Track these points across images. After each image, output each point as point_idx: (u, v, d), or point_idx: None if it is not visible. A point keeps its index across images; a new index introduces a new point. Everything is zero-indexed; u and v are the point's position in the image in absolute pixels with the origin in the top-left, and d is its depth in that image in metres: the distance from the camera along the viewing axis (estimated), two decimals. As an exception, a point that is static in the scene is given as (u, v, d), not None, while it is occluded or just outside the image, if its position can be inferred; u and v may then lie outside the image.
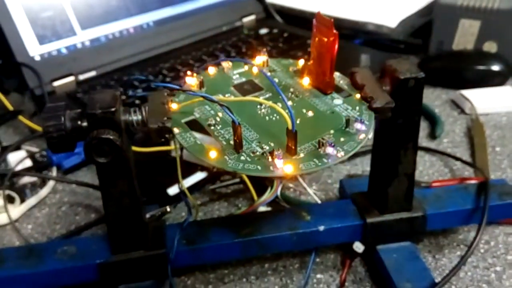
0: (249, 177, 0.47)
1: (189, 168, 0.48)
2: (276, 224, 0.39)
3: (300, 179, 0.48)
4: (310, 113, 0.33)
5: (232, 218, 0.42)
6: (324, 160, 0.30)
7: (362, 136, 0.31)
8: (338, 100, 0.34)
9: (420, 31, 0.76)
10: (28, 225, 0.47)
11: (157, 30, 0.73)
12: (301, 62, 0.38)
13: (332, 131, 0.32)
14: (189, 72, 0.36)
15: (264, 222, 0.39)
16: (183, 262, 0.38)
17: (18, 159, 0.51)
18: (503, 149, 0.54)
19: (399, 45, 0.76)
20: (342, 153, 0.30)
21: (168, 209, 0.41)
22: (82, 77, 0.65)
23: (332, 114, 0.33)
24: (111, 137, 0.30)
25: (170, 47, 0.72)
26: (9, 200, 0.48)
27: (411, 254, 0.39)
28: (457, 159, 0.52)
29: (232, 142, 0.31)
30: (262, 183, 0.48)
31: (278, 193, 0.47)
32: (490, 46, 0.68)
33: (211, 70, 0.38)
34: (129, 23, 0.70)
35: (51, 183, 0.51)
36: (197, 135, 0.32)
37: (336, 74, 0.37)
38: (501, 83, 0.65)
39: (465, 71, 0.66)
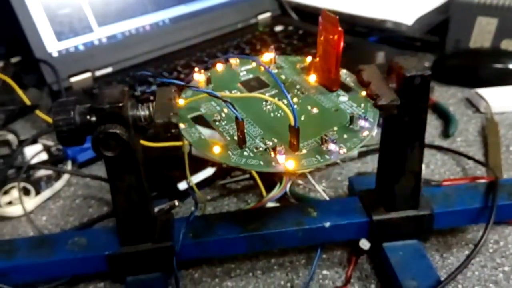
0: (258, 173, 0.48)
1: (200, 164, 0.49)
2: (282, 220, 0.39)
3: (309, 176, 0.48)
4: (315, 110, 0.33)
5: (238, 213, 0.43)
6: (326, 156, 0.30)
7: (365, 133, 0.31)
8: (343, 97, 0.34)
9: (437, 29, 0.76)
10: (43, 216, 0.48)
11: (172, 27, 0.73)
12: (308, 59, 0.38)
13: (335, 128, 0.32)
14: (196, 69, 0.36)
15: (271, 217, 0.40)
16: (190, 255, 0.39)
17: (34, 152, 0.53)
18: (517, 148, 0.54)
19: (415, 43, 0.75)
20: (345, 150, 0.30)
21: (176, 203, 0.41)
22: (98, 73, 0.67)
23: (337, 111, 0.33)
24: (118, 131, 0.31)
25: (185, 44, 0.73)
26: (25, 192, 0.49)
27: (417, 252, 0.39)
28: (470, 158, 0.52)
29: (236, 137, 0.31)
30: (271, 180, 0.48)
31: (287, 189, 0.47)
32: (508, 44, 0.67)
33: (219, 66, 0.38)
34: (145, 21, 0.71)
35: (65, 176, 0.52)
36: (203, 130, 0.32)
37: (343, 72, 0.37)
38: (518, 81, 0.64)
39: (481, 70, 0.66)
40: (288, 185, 0.47)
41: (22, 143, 0.53)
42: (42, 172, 0.51)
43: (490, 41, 0.68)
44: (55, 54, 0.64)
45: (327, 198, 0.47)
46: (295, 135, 0.30)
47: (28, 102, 0.57)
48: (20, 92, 0.56)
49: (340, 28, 0.32)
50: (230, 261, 0.42)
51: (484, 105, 0.60)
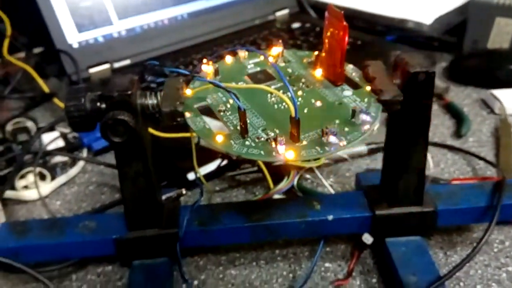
0: (266, 166, 0.48)
1: (210, 155, 0.50)
2: (286, 211, 0.40)
3: (316, 171, 0.49)
4: (318, 103, 0.34)
5: (244, 203, 0.44)
6: (326, 148, 0.30)
7: (366, 127, 0.32)
8: (347, 92, 0.35)
9: (456, 29, 0.75)
10: (57, 201, 0.50)
11: (191, 22, 0.75)
12: (316, 53, 0.39)
13: (337, 121, 0.32)
14: (205, 60, 0.37)
15: (275, 208, 0.40)
16: (195, 242, 0.40)
17: (51, 139, 0.54)
18: (530, 150, 0.53)
19: (433, 43, 0.75)
20: (345, 143, 0.31)
21: (184, 192, 0.42)
22: (117, 65, 0.68)
23: (340, 105, 0.34)
24: (126, 118, 0.32)
25: (202, 39, 0.74)
26: (41, 177, 0.51)
27: (420, 248, 0.39)
28: (480, 158, 0.52)
29: (239, 127, 0.32)
30: (280, 173, 0.49)
31: (295, 183, 0.48)
32: (526, 46, 0.67)
33: (228, 59, 0.39)
34: (164, 14, 0.73)
35: (81, 163, 0.54)
36: (208, 119, 0.33)
37: (350, 67, 0.38)
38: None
39: (498, 71, 0.65)
40: (296, 179, 0.48)
41: (40, 130, 0.55)
42: (58, 159, 0.53)
43: (509, 42, 0.68)
44: (75, 45, 0.66)
45: (333, 193, 0.47)
46: (296, 126, 0.30)
47: (46, 90, 0.59)
48: (40, 80, 0.58)
49: (345, 23, 0.33)
50: (235, 250, 0.43)
51: (498, 106, 0.59)
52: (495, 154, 0.53)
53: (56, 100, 0.58)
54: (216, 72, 0.37)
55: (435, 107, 0.62)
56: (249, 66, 0.39)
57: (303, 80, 0.37)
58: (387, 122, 0.38)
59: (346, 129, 0.32)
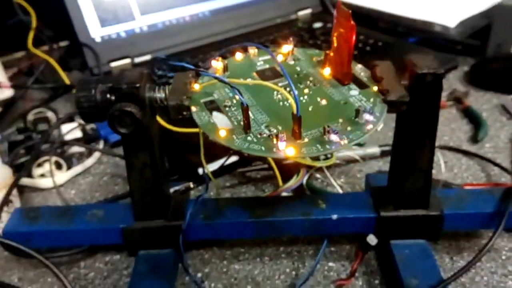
0: (277, 164, 0.48)
1: (223, 150, 0.50)
2: (291, 209, 0.40)
3: (326, 170, 0.49)
4: (324, 102, 0.34)
5: (249, 199, 0.44)
6: (327, 146, 0.31)
7: (369, 127, 0.32)
8: (354, 91, 0.35)
9: (480, 33, 0.74)
10: (72, 190, 0.51)
11: (212, 19, 0.75)
12: (325, 52, 0.39)
13: (341, 120, 0.32)
14: (217, 58, 0.38)
15: (280, 206, 0.41)
16: (200, 235, 0.40)
17: (69, 129, 0.56)
18: (548, 158, 0.52)
19: (456, 46, 0.74)
20: (346, 141, 0.31)
21: (192, 186, 0.43)
22: (137, 60, 0.70)
23: (345, 104, 0.34)
24: (132, 110, 0.33)
25: (223, 36, 0.75)
26: (57, 166, 0.52)
27: (424, 251, 0.39)
28: (495, 164, 0.51)
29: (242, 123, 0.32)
30: (291, 171, 0.49)
31: (304, 181, 0.48)
32: (552, 51, 0.65)
33: (239, 55, 0.40)
34: (186, 11, 0.74)
35: (96, 154, 0.55)
36: (219, 115, 0.33)
37: (358, 66, 0.38)
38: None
39: (520, 76, 0.64)
40: (305, 178, 0.48)
41: (59, 121, 0.56)
42: (75, 149, 0.55)
43: (534, 47, 0.66)
44: (98, 40, 0.68)
45: (341, 192, 0.47)
46: (297, 123, 0.30)
47: (67, 81, 0.60)
48: (61, 72, 0.60)
49: (352, 23, 0.33)
50: (240, 245, 0.44)
51: (518, 112, 0.58)
52: (511, 161, 0.52)
53: (75, 91, 0.59)
54: (225, 68, 0.38)
55: (453, 111, 0.61)
56: (258, 63, 0.39)
57: (311, 78, 0.37)
58: (395, 124, 0.38)
59: (349, 128, 0.32)
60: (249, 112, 0.33)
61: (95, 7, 0.67)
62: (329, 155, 0.48)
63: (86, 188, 0.52)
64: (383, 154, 0.53)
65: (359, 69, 0.37)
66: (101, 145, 0.57)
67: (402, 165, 0.38)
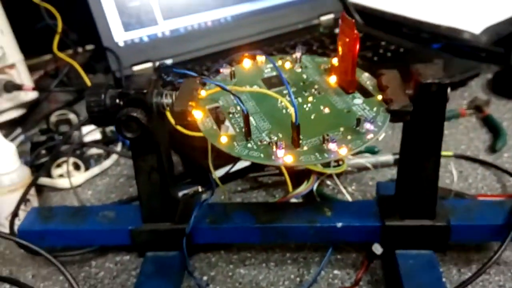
0: (288, 169, 0.49)
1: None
2: (297, 215, 0.40)
3: (335, 177, 0.49)
4: (327, 110, 0.34)
5: (256, 204, 0.45)
6: (325, 155, 0.31)
7: (370, 136, 0.32)
8: (358, 100, 0.35)
9: (505, 40, 0.72)
10: (89, 191, 0.53)
11: (234, 24, 0.76)
12: (334, 60, 0.39)
13: (342, 129, 0.32)
14: (224, 64, 0.38)
15: (286, 212, 0.41)
16: (205, 239, 0.41)
17: (89, 131, 0.57)
18: None
19: (480, 53, 0.72)
20: (345, 151, 0.31)
21: (200, 189, 0.44)
22: (159, 64, 0.71)
23: (348, 113, 0.34)
24: (138, 115, 0.34)
25: (244, 41, 0.76)
26: (76, 167, 0.54)
27: (429, 263, 0.39)
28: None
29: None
30: (302, 177, 0.49)
31: (314, 188, 0.48)
32: None
33: (247, 63, 0.40)
34: (208, 16, 0.75)
35: (114, 156, 0.56)
36: (227, 122, 0.34)
37: (365, 75, 0.38)
38: None
39: (544, 85, 0.62)
40: (316, 184, 0.48)
41: (79, 122, 0.58)
42: (94, 150, 0.56)
43: (560, 56, 0.64)
44: (121, 44, 0.69)
45: (350, 200, 0.47)
46: (296, 131, 0.31)
47: (89, 84, 0.62)
48: (84, 76, 0.62)
49: (356, 32, 0.33)
50: (248, 250, 0.44)
51: (540, 122, 0.57)
52: (530, 172, 0.51)
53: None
54: (232, 75, 0.38)
55: (472, 120, 0.60)
56: (266, 71, 0.39)
57: (316, 86, 0.37)
58: (403, 132, 0.38)
59: (349, 137, 0.32)
60: (251, 119, 0.34)
61: (119, 12, 0.69)
62: (340, 162, 0.48)
63: (103, 189, 0.53)
64: (396, 162, 0.53)
65: (365, 77, 0.37)
66: (119, 147, 0.58)
67: (408, 175, 0.38)
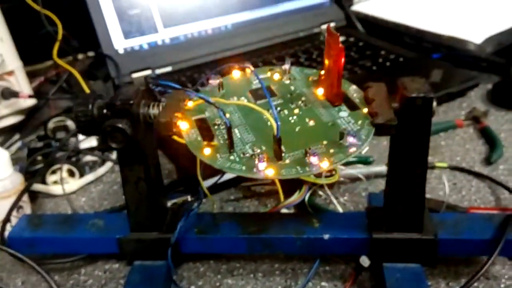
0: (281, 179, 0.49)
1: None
2: (284, 227, 0.40)
3: (326, 187, 0.49)
4: (311, 123, 0.34)
5: (245, 215, 0.45)
6: (306, 168, 0.31)
7: (352, 149, 0.32)
8: (343, 113, 0.35)
9: (507, 50, 0.72)
10: (82, 198, 0.53)
11: (234, 32, 0.76)
12: (322, 72, 0.39)
13: (325, 142, 0.32)
14: (213, 75, 0.39)
15: (274, 223, 0.41)
16: (192, 249, 0.41)
17: (85, 138, 0.58)
18: None
19: (481, 63, 0.72)
20: (327, 164, 0.31)
21: (189, 199, 0.44)
22: (158, 71, 0.71)
23: (333, 126, 0.34)
24: (123, 126, 0.34)
25: (244, 49, 0.76)
26: (70, 174, 0.54)
27: (416, 276, 0.38)
28: (506, 188, 0.49)
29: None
30: (294, 187, 0.49)
31: (306, 198, 0.48)
32: None
33: (236, 73, 0.40)
34: (209, 24, 0.75)
35: (109, 164, 0.57)
36: None
37: (352, 87, 0.38)
38: None
39: (544, 96, 0.61)
40: (307, 194, 0.48)
41: (76, 129, 0.58)
42: (89, 158, 0.57)
43: (561, 67, 0.64)
44: (121, 51, 0.70)
45: (341, 211, 0.47)
46: (277, 144, 0.31)
47: (87, 91, 0.63)
48: (83, 83, 0.62)
49: (340, 45, 0.33)
50: (236, 260, 0.44)
51: (538, 134, 0.56)
52: (524, 185, 0.50)
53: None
54: (221, 86, 0.38)
55: (470, 131, 0.60)
56: (254, 82, 0.40)
57: (303, 98, 0.37)
58: (390, 145, 0.38)
59: (332, 150, 0.32)
60: (236, 131, 0.34)
61: (119, 19, 0.70)
62: (333, 172, 0.48)
63: (96, 196, 0.53)
64: (391, 173, 0.52)
65: (353, 90, 0.37)
66: (114, 155, 0.58)
67: (395, 188, 0.38)
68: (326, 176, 0.48)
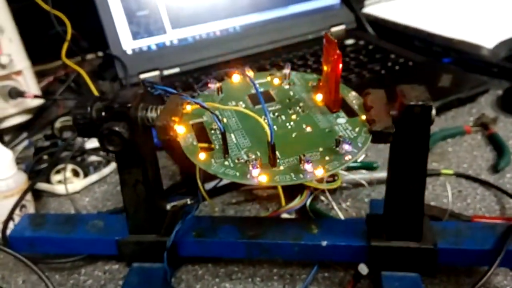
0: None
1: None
2: (283, 232, 0.40)
3: (327, 193, 0.48)
4: (308, 129, 0.34)
5: (244, 219, 0.45)
6: (300, 175, 0.31)
7: (348, 157, 0.31)
8: (341, 120, 0.35)
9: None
10: (86, 198, 0.54)
11: (242, 34, 0.76)
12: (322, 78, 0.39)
13: (321, 149, 0.32)
14: (212, 79, 0.39)
15: (272, 228, 0.41)
16: (191, 252, 0.41)
17: (90, 138, 0.58)
18: None
19: (492, 68, 0.71)
20: (321, 172, 0.31)
21: (189, 202, 0.44)
22: (166, 72, 0.72)
23: (329, 133, 0.34)
24: (120, 129, 0.34)
25: (252, 51, 0.76)
26: (75, 173, 0.55)
27: (414, 285, 0.38)
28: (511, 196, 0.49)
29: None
30: (296, 191, 0.49)
31: (307, 203, 0.48)
32: None
33: (236, 78, 0.40)
34: (217, 26, 0.75)
35: (114, 164, 0.57)
36: None
37: (352, 94, 0.37)
38: None
39: (555, 103, 0.60)
40: (309, 199, 0.48)
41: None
42: (94, 158, 0.57)
43: None
44: (129, 52, 0.70)
45: (342, 217, 0.46)
46: (271, 151, 0.31)
47: (96, 93, 0.63)
48: (90, 83, 0.63)
49: (338, 52, 0.33)
50: (235, 264, 0.44)
51: (547, 142, 0.55)
52: (531, 194, 0.49)
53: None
54: (220, 90, 0.38)
55: (477, 137, 0.59)
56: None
57: (301, 104, 0.37)
58: (390, 153, 0.37)
59: (327, 158, 0.32)
60: (232, 136, 0.34)
61: (128, 20, 0.70)
62: (335, 178, 0.48)
63: (100, 196, 0.54)
64: (395, 179, 0.52)
65: (352, 96, 0.37)
66: (119, 155, 0.58)
67: (394, 196, 0.37)
68: (328, 182, 0.47)
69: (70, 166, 0.54)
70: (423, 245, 0.38)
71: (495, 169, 0.53)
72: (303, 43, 0.79)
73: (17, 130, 0.62)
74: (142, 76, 0.70)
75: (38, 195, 0.53)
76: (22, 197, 0.46)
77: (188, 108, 0.37)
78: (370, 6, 0.89)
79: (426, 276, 0.40)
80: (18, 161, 0.58)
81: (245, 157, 0.32)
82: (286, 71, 0.39)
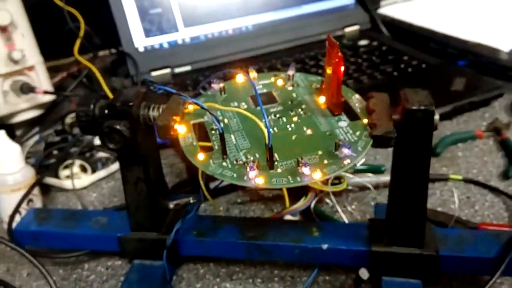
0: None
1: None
2: (283, 234, 0.40)
3: (332, 195, 0.48)
4: (309, 132, 0.34)
5: (246, 219, 0.44)
6: (297, 178, 0.30)
7: (347, 161, 0.31)
8: (343, 123, 0.34)
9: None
10: (93, 193, 0.54)
11: (255, 33, 0.76)
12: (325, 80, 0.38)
13: (320, 152, 0.32)
14: (215, 80, 0.39)
15: (274, 229, 0.41)
16: (191, 251, 0.41)
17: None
18: None
19: (508, 72, 0.69)
20: (319, 175, 0.30)
21: (191, 200, 0.44)
22: (177, 70, 0.72)
23: (330, 136, 0.33)
24: (121, 128, 0.34)
25: (264, 51, 0.76)
26: (83, 169, 0.55)
27: (415, 292, 0.37)
28: (521, 204, 0.48)
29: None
30: (302, 193, 0.49)
31: (312, 205, 0.47)
32: None
33: (240, 78, 0.40)
34: (230, 25, 0.75)
35: (122, 161, 0.57)
36: None
37: (355, 97, 0.37)
38: None
39: None
40: (313, 201, 0.48)
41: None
42: (102, 154, 0.57)
43: None
44: (141, 49, 0.71)
45: (346, 220, 0.46)
46: (269, 153, 0.30)
47: (106, 90, 0.63)
48: (101, 79, 0.63)
49: (340, 54, 0.32)
50: (236, 264, 0.44)
51: (561, 149, 0.54)
52: (541, 202, 0.48)
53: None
54: (223, 91, 0.38)
55: (489, 143, 0.58)
56: (257, 87, 0.39)
57: (303, 106, 0.36)
58: (393, 157, 0.37)
59: (326, 161, 0.31)
60: (232, 137, 0.34)
61: (140, 18, 0.70)
62: (341, 180, 0.48)
63: (107, 192, 0.54)
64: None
65: (355, 99, 0.37)
66: (128, 151, 0.59)
67: (397, 201, 0.37)
68: (333, 184, 0.47)
69: (78, 162, 0.55)
70: (425, 252, 0.37)
71: (505, 175, 0.52)
72: (316, 43, 0.78)
73: (28, 125, 0.63)
74: (154, 73, 0.70)
75: (47, 189, 0.54)
76: (29, 192, 0.46)
77: (190, 107, 0.37)
78: (386, 7, 0.88)
79: (428, 283, 0.39)
80: (29, 155, 0.58)
81: (244, 159, 0.32)
82: (290, 72, 0.39)
